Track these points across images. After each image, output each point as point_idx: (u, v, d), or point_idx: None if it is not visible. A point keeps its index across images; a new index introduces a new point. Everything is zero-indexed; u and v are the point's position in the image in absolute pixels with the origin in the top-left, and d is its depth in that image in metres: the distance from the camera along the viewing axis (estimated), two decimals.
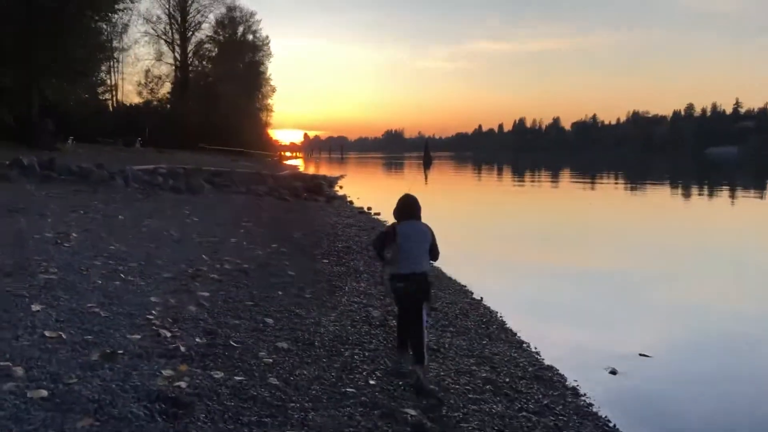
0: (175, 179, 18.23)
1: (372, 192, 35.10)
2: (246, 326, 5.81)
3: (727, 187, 38.04)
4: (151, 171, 18.67)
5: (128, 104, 65.54)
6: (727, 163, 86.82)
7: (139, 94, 66.54)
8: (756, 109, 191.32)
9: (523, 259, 13.67)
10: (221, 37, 75.10)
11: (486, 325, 7.67)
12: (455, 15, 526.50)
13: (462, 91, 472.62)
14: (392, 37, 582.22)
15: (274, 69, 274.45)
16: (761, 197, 30.94)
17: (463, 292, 9.65)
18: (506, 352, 6.62)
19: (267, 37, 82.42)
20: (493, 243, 15.92)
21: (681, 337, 7.77)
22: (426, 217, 5.64)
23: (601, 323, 8.43)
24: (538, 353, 6.78)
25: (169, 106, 67.27)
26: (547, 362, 6.46)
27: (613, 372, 6.27)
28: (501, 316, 8.25)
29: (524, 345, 7.06)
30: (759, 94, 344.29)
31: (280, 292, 7.39)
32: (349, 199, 27.37)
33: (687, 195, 33.46)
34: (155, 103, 67.08)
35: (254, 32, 79.63)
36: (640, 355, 6.80)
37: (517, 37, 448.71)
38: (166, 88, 68.75)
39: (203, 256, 8.74)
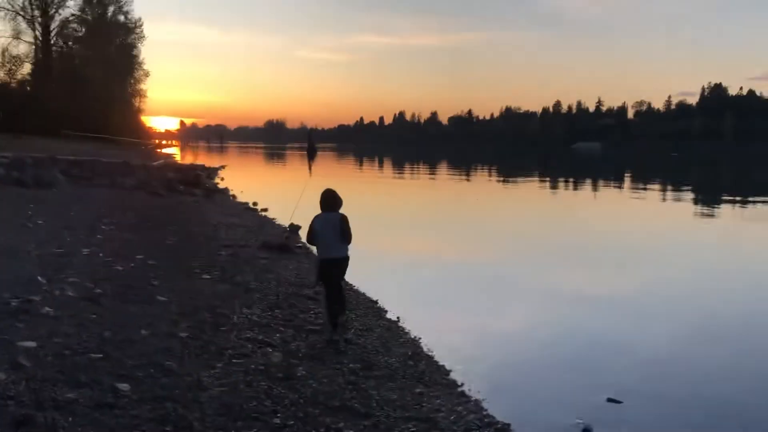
0: (20, 171, 15.30)
1: (257, 184, 32.85)
2: (86, 401, 3.87)
3: (611, 182, 39.26)
4: None
5: None
6: (592, 157, 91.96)
7: None
8: (615, 108, 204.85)
9: (424, 260, 12.29)
10: (89, 17, 68.89)
11: (414, 361, 6.14)
12: (338, 6, 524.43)
13: (344, 83, 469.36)
14: (274, 25, 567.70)
15: (149, 53, 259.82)
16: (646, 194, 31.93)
17: (374, 310, 8.09)
18: (448, 404, 5.13)
19: (140, 18, 76.94)
20: (386, 241, 14.49)
21: (642, 364, 6.60)
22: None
23: (541, 347, 7.14)
24: (484, 402, 5.34)
25: (29, 88, 60.61)
26: (500, 417, 5.04)
27: (588, 430, 4.94)
28: (426, 346, 6.77)
29: (466, 390, 5.60)
30: (618, 93, 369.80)
31: (143, 331, 5.45)
32: (231, 192, 25.07)
33: (560, 188, 34.01)
34: (13, 84, 60.25)
35: (126, 13, 73.72)
36: (609, 400, 5.52)
37: (398, 32, 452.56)
38: (26, 69, 62.07)
39: (39, 277, 6.56)
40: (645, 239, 15.77)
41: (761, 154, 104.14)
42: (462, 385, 5.70)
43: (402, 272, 11.22)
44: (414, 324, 7.57)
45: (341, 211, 6.52)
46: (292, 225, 15.11)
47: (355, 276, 9.92)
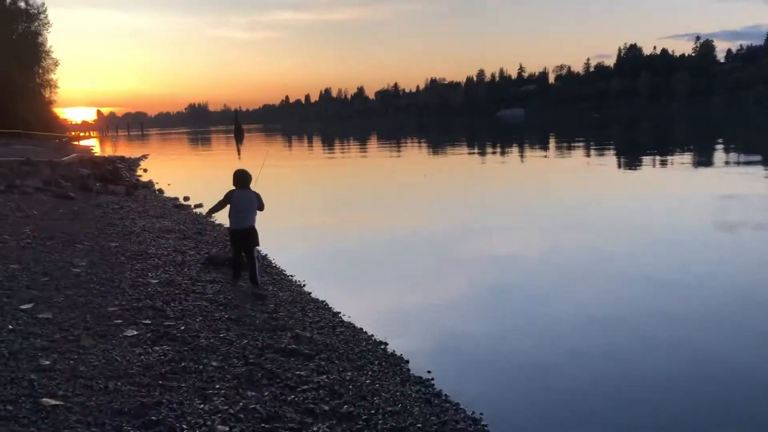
0: None
1: (185, 174, 29.38)
2: None
3: (538, 147, 37.79)
4: None
5: None
6: (516, 124, 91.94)
7: None
8: (537, 73, 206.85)
9: (394, 258, 9.76)
10: None
11: None
12: None
13: (266, 62, 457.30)
14: (186, 6, 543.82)
15: (59, 41, 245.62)
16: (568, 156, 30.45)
17: (393, 365, 5.49)
18: None
19: (43, 3, 71.54)
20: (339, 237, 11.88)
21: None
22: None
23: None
24: None
25: None
26: None
27: None
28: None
29: None
30: (539, 58, 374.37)
31: None
32: (157, 186, 21.74)
33: (491, 156, 32.17)
34: None
35: None
36: None
37: (317, 6, 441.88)
38: None
39: None
40: (577, 202, 15.41)
41: (675, 110, 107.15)
42: None
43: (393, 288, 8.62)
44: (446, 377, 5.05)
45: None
46: None
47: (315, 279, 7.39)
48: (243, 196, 7.67)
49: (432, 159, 33.20)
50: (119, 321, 5.70)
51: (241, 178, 7.77)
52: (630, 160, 27.66)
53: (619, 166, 25.18)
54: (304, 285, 8.26)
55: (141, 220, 12.96)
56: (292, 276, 8.73)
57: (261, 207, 7.80)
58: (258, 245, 7.78)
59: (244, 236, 7.61)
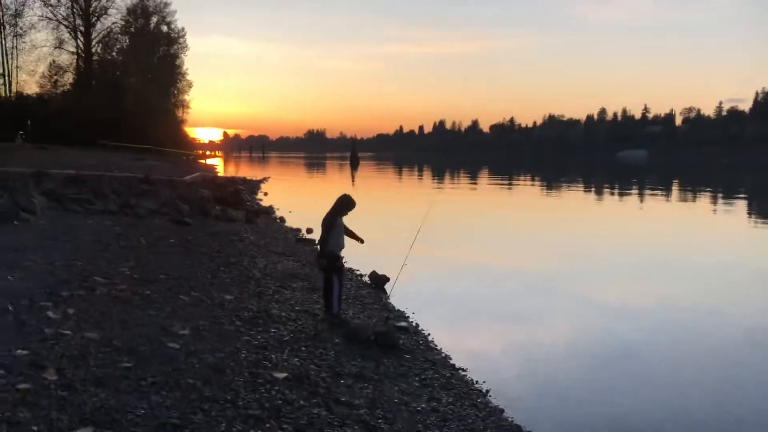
0: None
1: (303, 201, 27.60)
2: None
3: (665, 196, 33.44)
4: None
5: (17, 94, 56.00)
6: (639, 166, 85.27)
7: (41, 86, 57.52)
8: (663, 115, 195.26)
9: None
10: (133, 27, 66.17)
11: None
12: (370, 16, 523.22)
13: (383, 92, 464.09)
14: (306, 37, 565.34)
15: (192, 64, 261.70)
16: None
17: None
18: None
19: (183, 29, 74.24)
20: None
21: None
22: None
23: None
24: None
25: (68, 98, 57.56)
26: None
27: None
28: None
29: None
30: (665, 100, 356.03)
31: None
32: (277, 212, 20.03)
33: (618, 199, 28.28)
34: (55, 94, 57.69)
35: (169, 23, 71.02)
36: None
37: (436, 40, 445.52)
38: (68, 78, 59.76)
39: None
40: (698, 253, 14.76)
41: None
42: None
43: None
44: None
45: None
46: (375, 275, 9.89)
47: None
48: (341, 221, 7.62)
49: (549, 199, 29.94)
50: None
51: (344, 204, 7.55)
52: (761, 211, 25.82)
53: (750, 218, 23.22)
54: (487, 392, 5.61)
55: (262, 258, 10.89)
56: (464, 372, 6.10)
57: (349, 234, 7.71)
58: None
59: (340, 259, 7.57)
